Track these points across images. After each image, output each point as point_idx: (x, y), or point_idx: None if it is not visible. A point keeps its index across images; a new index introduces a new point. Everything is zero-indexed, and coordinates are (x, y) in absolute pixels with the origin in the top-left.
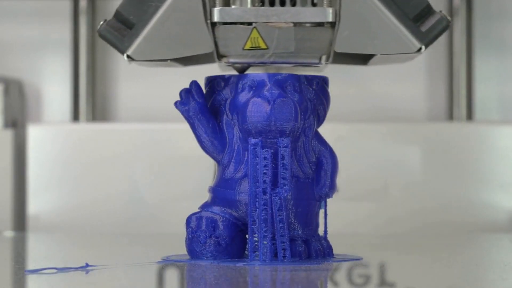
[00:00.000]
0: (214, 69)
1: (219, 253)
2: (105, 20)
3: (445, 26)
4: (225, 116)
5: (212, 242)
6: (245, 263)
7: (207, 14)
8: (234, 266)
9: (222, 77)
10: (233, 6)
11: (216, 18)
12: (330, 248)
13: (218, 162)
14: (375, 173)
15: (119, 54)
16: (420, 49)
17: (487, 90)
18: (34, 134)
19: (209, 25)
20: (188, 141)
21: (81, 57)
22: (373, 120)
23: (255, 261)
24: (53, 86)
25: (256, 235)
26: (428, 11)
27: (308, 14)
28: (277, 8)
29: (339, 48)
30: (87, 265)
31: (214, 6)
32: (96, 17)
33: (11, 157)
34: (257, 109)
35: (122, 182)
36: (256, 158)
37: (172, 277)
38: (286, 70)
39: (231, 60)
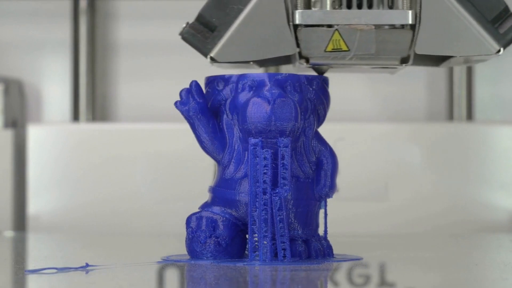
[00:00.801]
0: (214, 69)
1: (219, 253)
2: (187, 23)
3: None
4: (225, 116)
5: (212, 242)
6: (245, 263)
7: (289, 17)
8: (234, 266)
9: (222, 77)
10: (313, 9)
11: (298, 20)
12: (330, 248)
13: (218, 162)
14: (375, 173)
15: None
16: (499, 51)
17: (487, 90)
18: (34, 134)
19: (292, 27)
20: (188, 141)
21: (81, 57)
22: (373, 120)
23: (255, 261)
24: (53, 86)
25: (256, 235)
26: (506, 13)
27: (389, 17)
28: (358, 10)
29: (420, 50)
30: (87, 265)
31: (296, 9)
32: (96, 17)
33: (11, 157)
34: (257, 109)
35: (122, 182)
36: (256, 158)
37: (172, 277)
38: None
39: (313, 61)
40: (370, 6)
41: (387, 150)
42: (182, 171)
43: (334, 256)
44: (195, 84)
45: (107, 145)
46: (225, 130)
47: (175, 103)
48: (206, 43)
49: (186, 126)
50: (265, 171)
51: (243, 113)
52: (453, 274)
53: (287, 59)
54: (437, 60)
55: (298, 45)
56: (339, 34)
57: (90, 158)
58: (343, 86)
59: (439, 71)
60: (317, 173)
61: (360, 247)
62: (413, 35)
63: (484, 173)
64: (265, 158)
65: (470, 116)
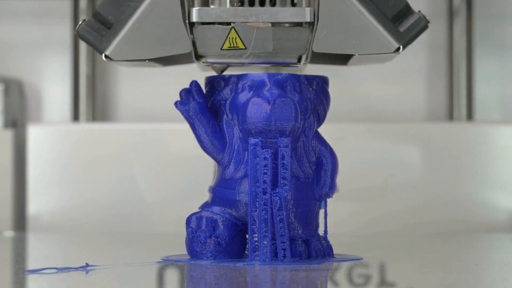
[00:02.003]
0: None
1: (219, 253)
2: (84, 20)
3: (423, 26)
4: (225, 116)
5: (212, 242)
6: (245, 263)
7: (186, 14)
8: (234, 266)
9: (222, 77)
10: (211, 6)
11: (194, 18)
12: (330, 248)
13: (218, 162)
14: (375, 173)
15: None
16: (398, 49)
17: (487, 90)
18: (34, 134)
19: (188, 25)
20: (188, 141)
21: (81, 57)
22: (373, 120)
23: (255, 261)
24: (53, 86)
25: (256, 235)
26: (407, 11)
27: (286, 14)
28: (256, 8)
29: (317, 48)
30: (87, 265)
31: (193, 6)
32: None
33: (11, 157)
34: (257, 109)
35: (122, 182)
36: (256, 158)
37: (172, 277)
38: (285, 70)
39: (209, 60)
40: (273, 4)
41: (387, 150)
42: (182, 171)
43: (334, 256)
44: (195, 84)
45: (107, 145)
46: (225, 130)
47: (175, 103)
48: (101, 41)
49: (186, 126)
50: (265, 171)
51: (243, 113)
52: (453, 274)
53: (188, 58)
54: (342, 58)
55: (195, 44)
56: (236, 32)
57: (90, 158)
58: (343, 86)
59: (439, 71)
60: (317, 173)
61: (360, 247)
62: (311, 33)
63: (484, 173)
64: (265, 158)
65: (470, 116)
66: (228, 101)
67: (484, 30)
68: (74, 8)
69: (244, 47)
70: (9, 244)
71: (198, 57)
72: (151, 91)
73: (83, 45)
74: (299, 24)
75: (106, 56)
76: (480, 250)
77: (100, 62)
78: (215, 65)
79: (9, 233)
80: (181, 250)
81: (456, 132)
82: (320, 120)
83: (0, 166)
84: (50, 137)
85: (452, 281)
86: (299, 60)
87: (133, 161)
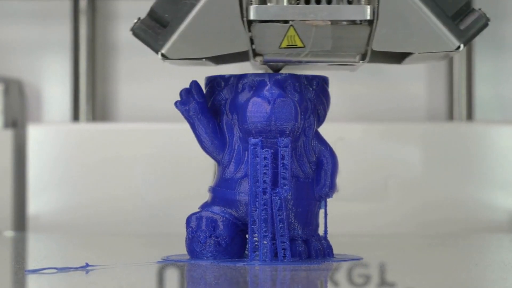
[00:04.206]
0: (214, 69)
1: (219, 253)
2: (139, 18)
3: (484, 24)
4: (225, 116)
5: (212, 242)
6: (245, 263)
7: (244, 12)
8: (234, 266)
9: (222, 77)
10: (269, 4)
11: (252, 16)
12: (330, 248)
13: (218, 162)
14: (375, 173)
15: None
16: (459, 47)
17: (487, 90)
18: (34, 134)
19: (246, 23)
20: (188, 141)
21: (81, 57)
22: (373, 120)
23: (255, 261)
24: (53, 86)
25: (256, 235)
26: (467, 8)
27: (346, 12)
28: (314, 5)
29: (377, 46)
30: (87, 265)
31: (250, 4)
32: (96, 17)
33: (11, 157)
34: (257, 109)
35: (122, 182)
36: (256, 158)
37: (172, 277)
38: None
39: (267, 58)
40: (329, 2)
41: (387, 150)
42: (182, 171)
43: (334, 256)
44: (195, 84)
45: (107, 145)
46: (225, 130)
47: (175, 103)
48: (157, 39)
49: (186, 126)
50: (265, 171)
51: (243, 113)
52: (453, 274)
53: (243, 56)
54: (398, 57)
55: (252, 42)
56: (294, 30)
57: (90, 158)
58: (343, 85)
59: (439, 71)
60: (317, 173)
61: (360, 247)
62: (371, 31)
63: (484, 173)
64: (265, 158)
65: (470, 116)
66: (228, 101)
67: (484, 30)
68: (74, 8)
69: (302, 46)
70: (9, 244)
71: (256, 55)
72: (151, 91)
73: (83, 45)
74: (357, 22)
75: (162, 55)
76: (480, 250)
77: (100, 62)
78: (272, 63)
79: (9, 233)
80: (181, 250)
81: (456, 132)
82: (320, 120)
83: (0, 166)
84: (50, 137)
85: (452, 281)
86: (362, 58)
87: (133, 161)
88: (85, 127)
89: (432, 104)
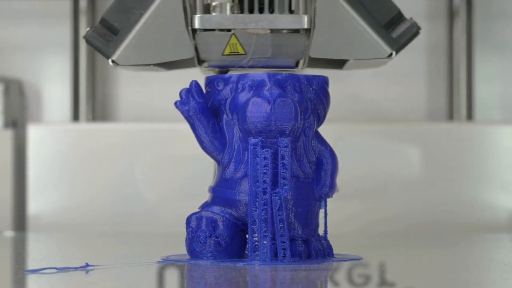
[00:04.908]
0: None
1: (219, 253)
2: (91, 26)
3: (415, 32)
4: (225, 116)
5: (212, 242)
6: (245, 263)
7: (188, 21)
8: (234, 266)
9: (222, 77)
10: (213, 14)
11: (196, 25)
12: (330, 248)
13: (218, 162)
14: (375, 173)
15: None
16: (391, 54)
17: (487, 90)
18: (34, 134)
19: (190, 32)
20: (188, 141)
21: (81, 57)
22: (373, 120)
23: (255, 261)
24: (53, 86)
25: (256, 235)
26: (399, 18)
27: (284, 21)
28: (255, 15)
29: (314, 53)
30: (87, 265)
31: (195, 14)
32: (96, 17)
33: (11, 157)
34: (257, 109)
35: (122, 182)
36: (256, 158)
37: (172, 277)
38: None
39: (211, 64)
40: (272, 11)
41: (387, 150)
42: (182, 171)
43: (334, 256)
44: (195, 84)
45: (107, 145)
46: (225, 130)
47: (175, 103)
48: (108, 46)
49: (186, 126)
50: (265, 171)
51: (243, 113)
52: (453, 274)
53: (190, 63)
54: (338, 63)
55: (197, 49)
56: (236, 38)
57: (90, 158)
58: (343, 86)
59: (439, 71)
60: (317, 173)
61: (360, 247)
62: (308, 39)
63: (484, 173)
64: (265, 158)
65: (470, 116)
66: (228, 101)
67: (484, 30)
68: (74, 8)
69: (244, 53)
70: (9, 244)
71: (200, 62)
72: (151, 91)
73: (83, 45)
74: (296, 31)
75: (113, 61)
76: (480, 250)
77: (100, 62)
78: (216, 68)
79: (9, 233)
80: (181, 250)
81: (456, 132)
82: (320, 120)
83: (0, 166)
84: (50, 137)
85: (452, 281)
86: (297, 64)
87: (133, 161)
88: (85, 127)
89: (432, 104)
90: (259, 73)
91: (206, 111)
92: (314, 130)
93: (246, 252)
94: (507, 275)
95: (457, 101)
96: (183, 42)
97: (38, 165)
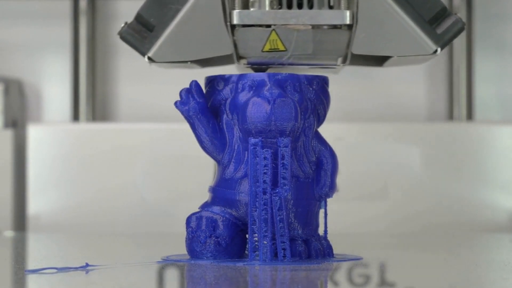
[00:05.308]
0: (214, 69)
1: (219, 253)
2: (126, 23)
3: (460, 28)
4: (225, 116)
5: (212, 242)
6: (245, 263)
7: (227, 17)
8: (234, 266)
9: (222, 77)
10: (251, 9)
11: (235, 21)
12: (330, 248)
13: (218, 162)
14: (375, 173)
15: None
16: (436, 51)
17: (487, 90)
18: (34, 134)
19: (229, 27)
20: (188, 141)
21: (81, 57)
22: (373, 120)
23: (255, 261)
24: (53, 86)
25: (256, 235)
26: (444, 13)
27: (326, 17)
28: (295, 10)
29: (356, 50)
30: (87, 265)
31: (234, 9)
32: (96, 17)
33: (11, 157)
34: (257, 109)
35: (122, 182)
36: (256, 158)
37: (172, 277)
38: (289, 70)
39: (250, 61)
40: (311, 7)
41: (387, 150)
42: (182, 171)
43: (334, 256)
44: (195, 84)
45: (107, 145)
46: (225, 130)
47: (175, 103)
48: (144, 43)
49: (186, 126)
50: (265, 171)
51: (243, 113)
52: (453, 274)
53: (227, 60)
54: (378, 60)
55: (236, 45)
56: (276, 34)
57: (90, 158)
58: (343, 86)
59: (439, 71)
60: (317, 173)
61: (360, 247)
62: (350, 35)
63: (484, 173)
64: (265, 158)
65: (470, 116)
66: (228, 101)
67: (484, 30)
68: (74, 8)
69: (284, 49)
70: (9, 244)
71: (240, 58)
72: (151, 91)
73: (83, 45)
74: (337, 27)
75: (149, 58)
76: (480, 250)
77: (100, 62)
78: (255, 66)
79: (9, 233)
80: (181, 250)
81: (456, 132)
82: (320, 120)
83: (0, 166)
84: (50, 137)
85: (452, 281)
86: (338, 62)
87: (133, 161)
88: (85, 127)
89: (432, 104)
90: (259, 73)
91: (206, 111)
92: (314, 130)
93: (246, 252)
94: (507, 275)
95: (457, 101)
96: (221, 38)
97: (38, 165)
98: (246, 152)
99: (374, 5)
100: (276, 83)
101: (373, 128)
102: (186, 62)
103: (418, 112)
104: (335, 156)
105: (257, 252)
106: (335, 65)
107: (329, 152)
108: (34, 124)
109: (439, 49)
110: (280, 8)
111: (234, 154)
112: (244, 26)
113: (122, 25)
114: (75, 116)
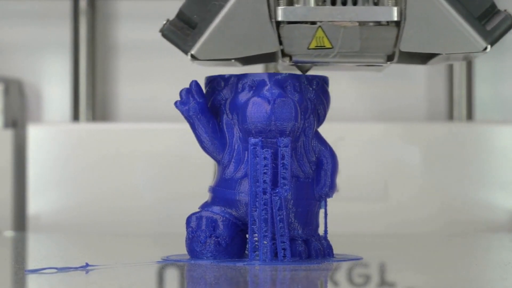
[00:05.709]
0: (215, 69)
1: (219, 253)
2: (167, 20)
3: (510, 24)
4: (225, 116)
5: (212, 242)
6: (245, 263)
7: (272, 13)
8: (234, 266)
9: (222, 77)
10: (296, 5)
11: (280, 17)
12: (330, 248)
13: (218, 162)
14: (375, 173)
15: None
16: (486, 48)
17: (487, 90)
18: (34, 134)
19: (274, 24)
20: (188, 141)
21: (81, 57)
22: (373, 120)
23: (255, 261)
24: (53, 86)
25: (256, 235)
26: (493, 10)
27: (373, 13)
28: (341, 7)
29: (405, 47)
30: (87, 265)
31: (278, 5)
32: (96, 17)
33: (11, 157)
34: (257, 109)
35: (122, 182)
36: (256, 158)
37: (172, 277)
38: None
39: (296, 59)
40: (355, 3)
41: (387, 150)
42: (182, 171)
43: (334, 256)
44: (195, 84)
45: (107, 145)
46: (225, 130)
47: (175, 103)
48: (186, 40)
49: (186, 126)
50: (265, 171)
51: (243, 113)
52: (453, 274)
53: (270, 57)
54: (423, 58)
55: (280, 43)
56: (323, 31)
57: (90, 158)
58: (343, 86)
59: (439, 71)
60: (317, 173)
61: (360, 247)
62: (398, 32)
63: (484, 173)
64: (265, 158)
65: (470, 116)
66: (228, 101)
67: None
68: (74, 8)
69: (331, 47)
70: (9, 244)
71: (284, 56)
72: (151, 91)
73: (83, 45)
74: (384, 23)
75: (192, 56)
76: (480, 250)
77: (100, 62)
78: (299, 64)
79: (9, 233)
80: (181, 250)
81: (456, 132)
82: (320, 120)
83: (0, 166)
84: (50, 137)
85: (452, 281)
86: (389, 59)
87: (133, 161)
88: (85, 127)
89: (432, 104)
90: (259, 73)
91: (206, 111)
92: (314, 130)
93: (246, 252)
94: (507, 275)
95: (457, 101)
96: (266, 35)
97: (38, 165)
98: (246, 152)
99: (422, 1)
100: (276, 83)
101: (374, 128)
102: (229, 60)
103: (418, 112)
104: (335, 156)
105: (257, 252)
106: (382, 63)
107: (329, 152)
108: (34, 124)
109: (489, 47)
110: (325, 4)
111: (234, 154)
112: (289, 23)
113: (164, 22)
114: (75, 116)
